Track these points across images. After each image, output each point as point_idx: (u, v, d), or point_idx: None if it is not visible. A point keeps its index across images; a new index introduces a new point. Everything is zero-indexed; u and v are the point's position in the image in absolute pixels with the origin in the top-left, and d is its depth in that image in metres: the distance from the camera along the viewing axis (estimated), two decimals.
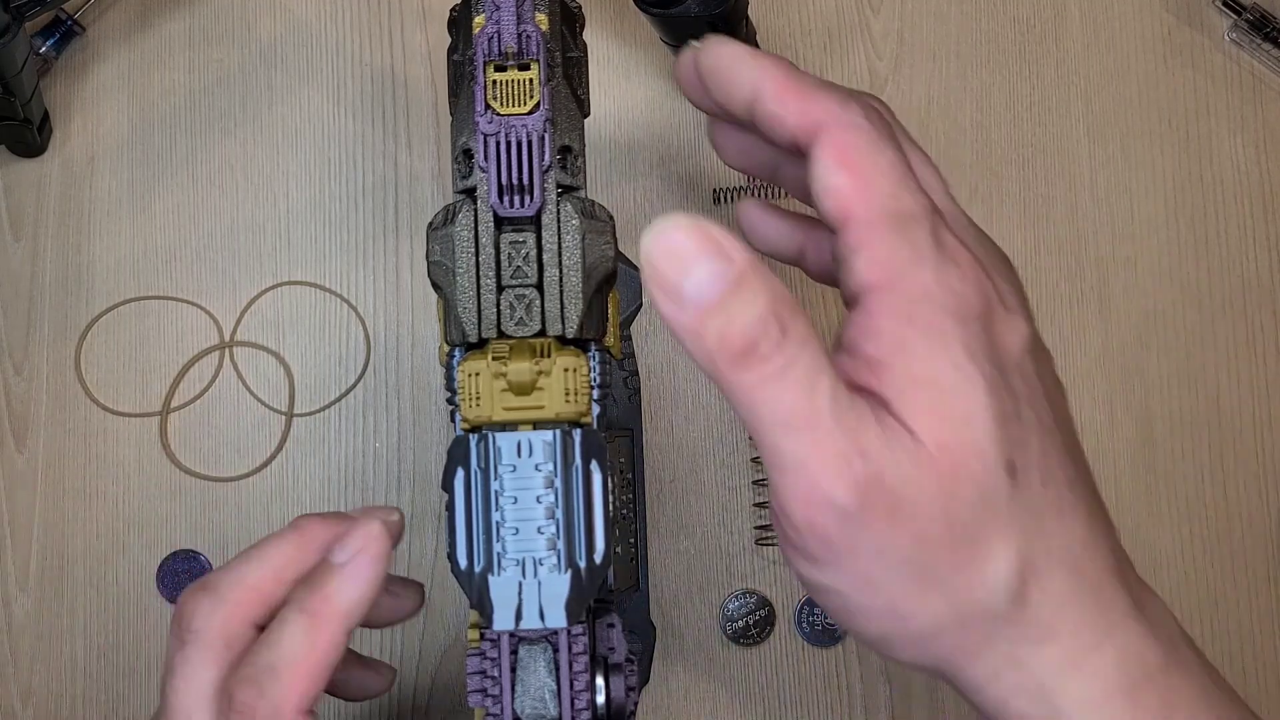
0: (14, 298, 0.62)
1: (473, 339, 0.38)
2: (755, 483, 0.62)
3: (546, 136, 0.38)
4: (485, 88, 0.38)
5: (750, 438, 0.61)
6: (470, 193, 0.39)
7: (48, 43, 0.62)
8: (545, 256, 0.38)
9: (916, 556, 0.32)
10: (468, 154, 0.38)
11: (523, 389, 0.37)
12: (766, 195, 0.62)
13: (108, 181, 0.63)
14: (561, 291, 0.38)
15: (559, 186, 0.39)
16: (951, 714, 0.61)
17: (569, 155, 0.39)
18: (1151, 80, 0.64)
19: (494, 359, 0.37)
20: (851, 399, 0.32)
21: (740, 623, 0.61)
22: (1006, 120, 0.64)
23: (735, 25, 0.56)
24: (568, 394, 0.37)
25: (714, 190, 0.63)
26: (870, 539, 0.32)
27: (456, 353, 0.39)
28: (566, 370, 0.37)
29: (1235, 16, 0.64)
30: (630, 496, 0.61)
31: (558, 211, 0.38)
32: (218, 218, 0.63)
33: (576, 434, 0.38)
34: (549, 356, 0.37)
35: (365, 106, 0.64)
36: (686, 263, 0.31)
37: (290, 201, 0.63)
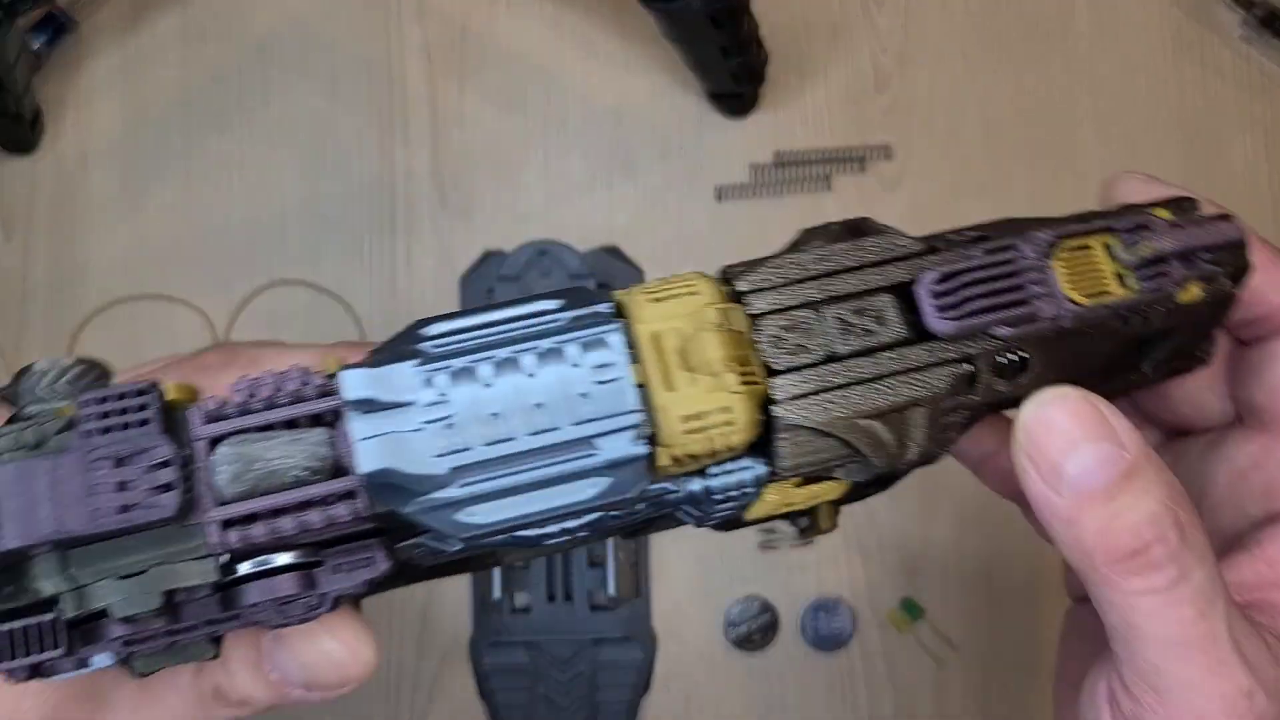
0: (5, 297, 0.62)
1: None
2: None
3: None
4: None
5: None
6: None
7: (40, 38, 0.61)
8: None
9: None
10: None
11: None
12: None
13: (100, 179, 0.63)
14: None
15: None
16: None
17: None
18: (1160, 77, 0.64)
19: None
20: (1248, 627, 0.29)
21: (743, 628, 0.60)
22: (1013, 117, 0.63)
23: (737, 20, 0.55)
24: None
25: (716, 188, 0.63)
26: None
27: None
28: None
29: (1245, 12, 0.63)
30: None
31: None
32: (212, 216, 0.62)
33: None
34: None
35: (361, 103, 0.63)
36: (1072, 440, 0.28)
37: (285, 199, 0.63)
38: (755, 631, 0.60)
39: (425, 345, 0.28)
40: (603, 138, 0.63)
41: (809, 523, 0.35)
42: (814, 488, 0.30)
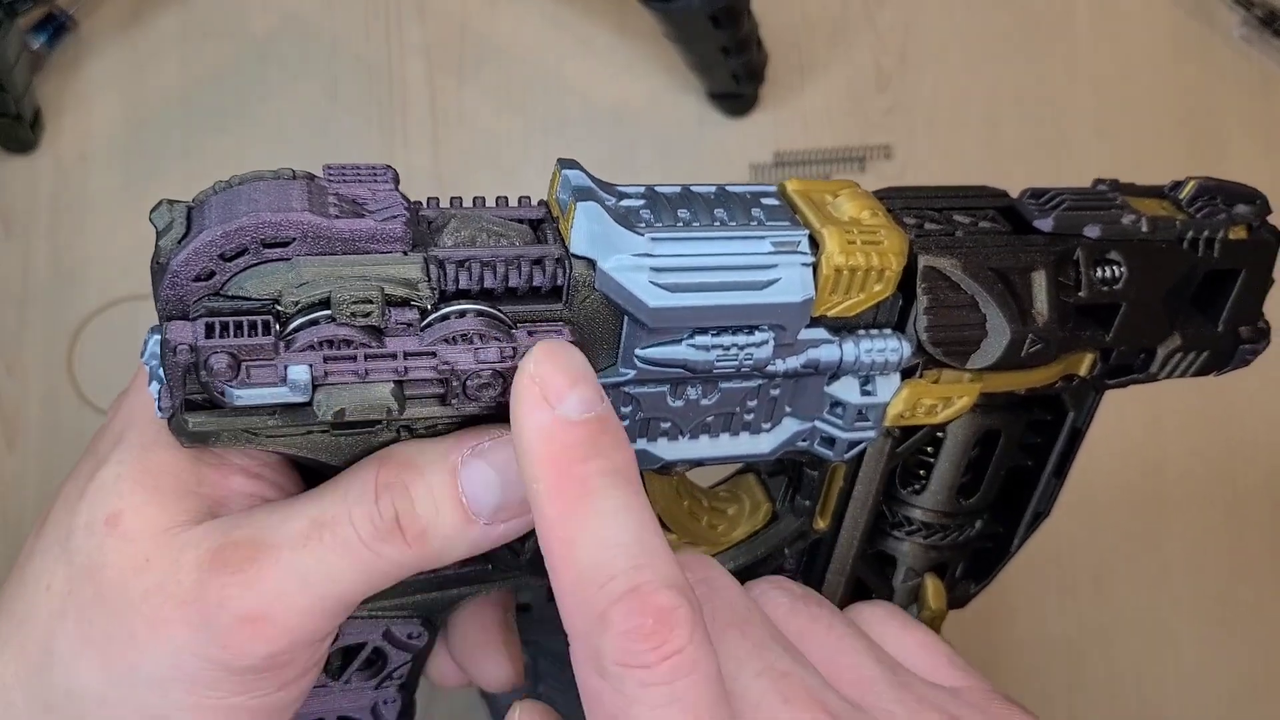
0: (5, 296, 0.62)
1: None
2: None
3: None
4: None
5: None
6: None
7: (40, 37, 0.61)
8: None
9: None
10: None
11: None
12: None
13: (100, 178, 0.63)
14: None
15: None
16: None
17: None
18: (1160, 76, 0.64)
19: None
20: None
21: None
22: (1014, 116, 0.63)
23: (737, 20, 0.55)
24: None
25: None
26: None
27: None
28: None
29: (1245, 11, 0.63)
30: None
31: None
32: None
33: None
34: None
35: (361, 102, 0.63)
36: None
37: None
38: None
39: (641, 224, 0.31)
40: (603, 138, 0.63)
41: (918, 605, 0.37)
42: (946, 387, 0.34)
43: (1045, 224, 0.34)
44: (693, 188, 0.32)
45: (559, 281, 0.30)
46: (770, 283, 0.31)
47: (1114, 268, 0.35)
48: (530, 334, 0.30)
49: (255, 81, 0.63)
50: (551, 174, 0.31)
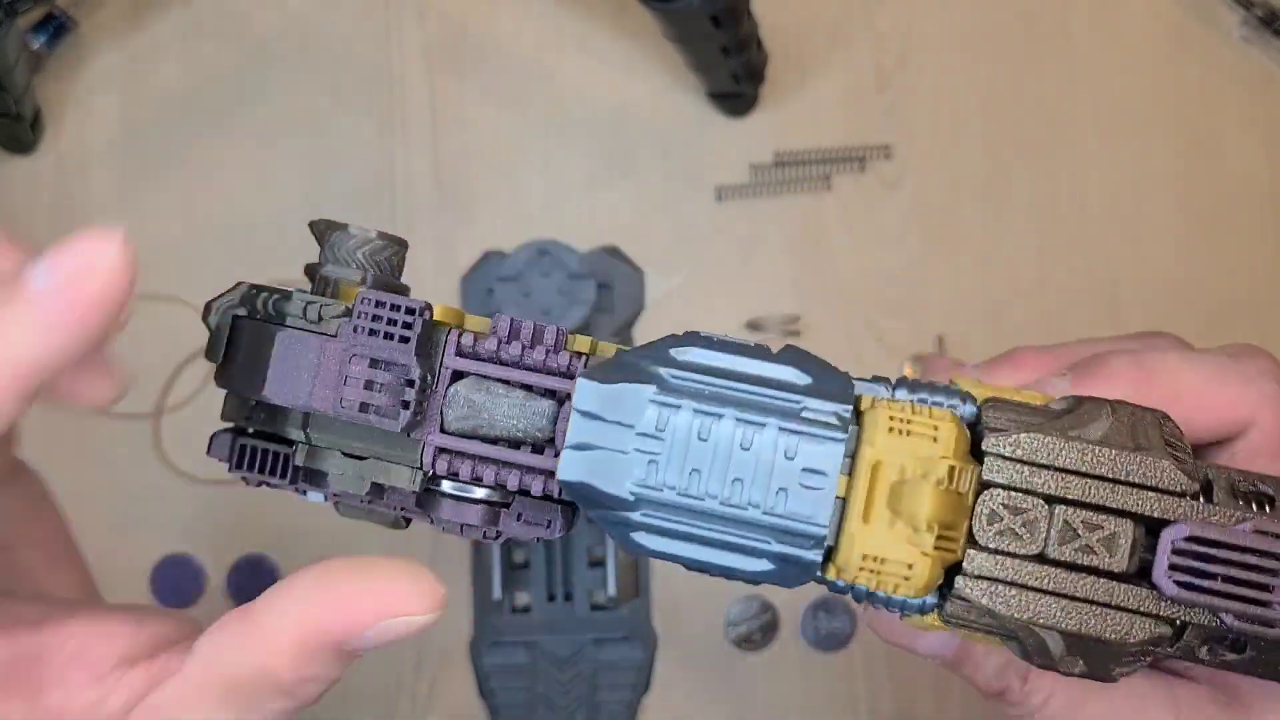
0: None
1: None
2: None
3: None
4: None
5: None
6: None
7: (40, 38, 0.61)
8: None
9: None
10: None
11: None
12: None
13: (100, 179, 0.63)
14: None
15: None
16: None
17: None
18: (1160, 76, 0.64)
19: None
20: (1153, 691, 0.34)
21: (743, 628, 0.60)
22: (1014, 116, 0.63)
23: (737, 20, 0.55)
24: None
25: (717, 188, 0.63)
26: None
27: None
28: None
29: (1245, 11, 0.63)
30: None
31: None
32: (212, 215, 0.62)
33: None
34: None
35: (361, 103, 0.63)
36: (912, 639, 0.36)
37: (285, 200, 0.63)
38: (755, 631, 0.60)
39: (668, 371, 0.29)
40: (603, 138, 0.63)
41: None
42: (975, 634, 0.30)
43: (1170, 590, 0.29)
44: (738, 434, 0.29)
45: (545, 492, 0.30)
46: (766, 561, 0.29)
47: (1237, 639, 0.30)
48: (519, 518, 0.32)
49: (255, 82, 0.63)
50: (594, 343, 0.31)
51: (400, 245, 0.34)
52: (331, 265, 0.33)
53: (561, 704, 0.59)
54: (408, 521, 0.34)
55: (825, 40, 0.63)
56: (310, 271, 0.33)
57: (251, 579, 0.60)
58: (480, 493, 0.31)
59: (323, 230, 0.33)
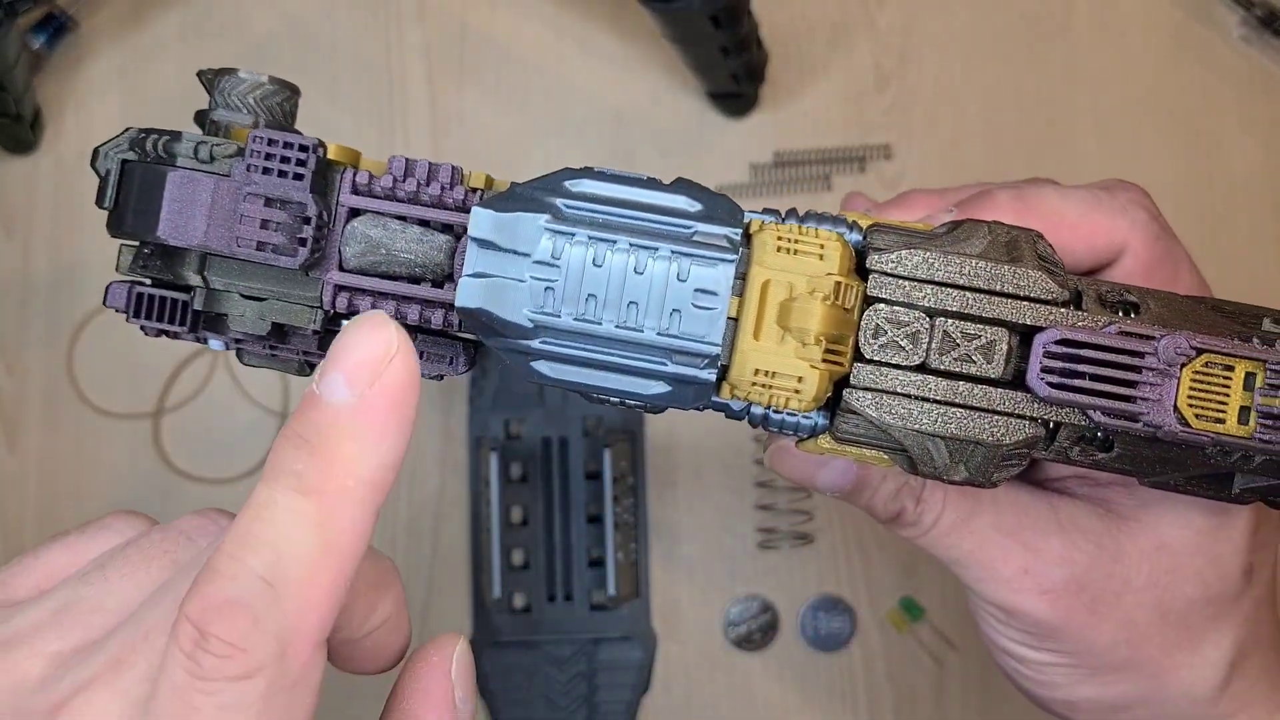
0: (5, 296, 0.62)
1: None
2: (758, 485, 0.61)
3: None
4: None
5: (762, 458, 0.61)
6: None
7: (40, 38, 0.61)
8: None
9: (1122, 640, 0.37)
10: None
11: None
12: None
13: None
14: None
15: None
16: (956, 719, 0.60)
17: None
18: (1160, 76, 0.64)
19: None
20: (1035, 517, 0.37)
21: (743, 628, 0.60)
22: (1014, 116, 0.63)
23: (737, 20, 0.55)
24: None
25: (717, 188, 0.63)
26: (1072, 631, 0.37)
27: None
28: None
29: (1245, 11, 0.63)
30: (632, 500, 0.60)
31: None
32: None
33: None
34: None
35: (361, 103, 0.63)
36: (812, 471, 0.38)
37: None
38: (755, 631, 0.60)
39: (561, 201, 0.30)
40: (603, 137, 0.63)
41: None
42: (865, 451, 0.31)
43: (1042, 390, 0.30)
44: (631, 259, 0.29)
45: (451, 327, 0.31)
46: (661, 383, 0.30)
47: (1105, 438, 0.32)
48: (423, 356, 0.32)
49: None
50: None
51: (293, 91, 0.33)
52: (222, 110, 0.32)
53: (561, 704, 0.59)
54: (311, 367, 0.33)
55: (825, 40, 0.63)
56: (200, 118, 0.33)
57: None
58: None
59: (211, 77, 0.33)
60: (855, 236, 0.31)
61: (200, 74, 0.34)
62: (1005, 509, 0.37)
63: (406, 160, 0.31)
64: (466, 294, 0.29)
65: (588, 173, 0.30)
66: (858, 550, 0.61)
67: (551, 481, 0.59)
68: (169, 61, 0.63)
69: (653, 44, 0.62)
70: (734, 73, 0.59)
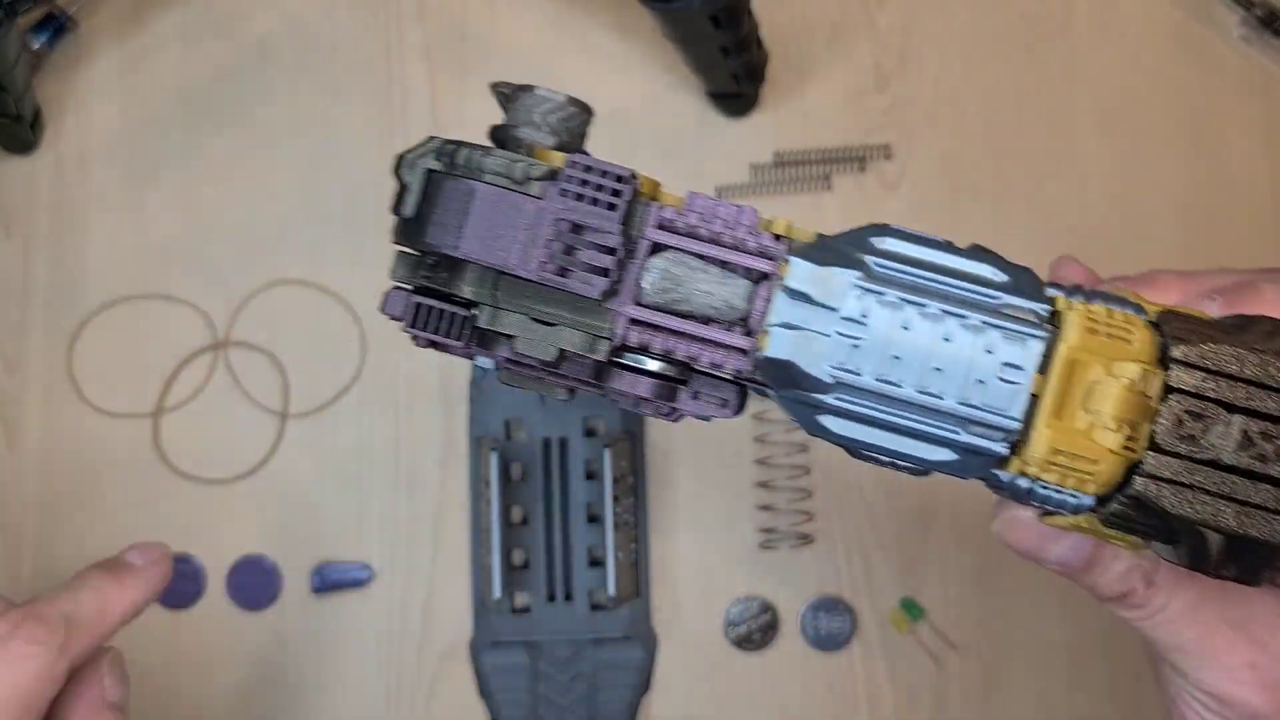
0: (5, 296, 0.62)
1: None
2: (759, 485, 0.61)
3: None
4: None
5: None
6: None
7: (40, 38, 0.61)
8: None
9: None
10: None
11: None
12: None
13: (100, 178, 0.63)
14: None
15: None
16: None
17: None
18: (1160, 76, 0.64)
19: None
20: (1261, 610, 0.36)
21: (743, 628, 0.60)
22: (1014, 117, 0.63)
23: (737, 19, 0.55)
24: None
25: (716, 188, 0.63)
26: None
27: None
28: None
29: (1245, 11, 0.63)
30: (632, 500, 0.60)
31: None
32: (211, 215, 0.62)
33: None
34: None
35: (361, 103, 0.63)
36: (1043, 544, 0.36)
37: (285, 199, 0.63)
38: (755, 631, 0.60)
39: (871, 259, 0.30)
40: (603, 138, 0.63)
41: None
42: (1125, 536, 0.31)
43: None
44: (939, 325, 0.29)
45: (741, 374, 0.30)
46: (951, 451, 0.30)
47: None
48: (695, 396, 0.32)
49: (255, 81, 0.63)
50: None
51: (587, 111, 0.34)
52: (526, 128, 0.32)
53: (562, 704, 0.59)
54: (572, 393, 0.33)
55: (825, 40, 0.63)
56: (496, 134, 0.33)
57: (251, 579, 0.60)
58: (653, 365, 0.31)
59: (507, 92, 0.33)
60: (1144, 318, 0.31)
61: (494, 87, 0.33)
62: (1234, 601, 0.36)
63: (708, 198, 0.31)
64: (778, 344, 0.29)
65: (887, 230, 0.30)
66: (858, 550, 0.61)
67: (552, 481, 0.59)
68: (169, 61, 0.63)
69: (653, 44, 0.62)
70: (734, 73, 0.59)
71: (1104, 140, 0.63)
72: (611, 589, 0.57)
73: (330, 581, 0.60)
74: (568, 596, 0.59)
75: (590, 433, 0.60)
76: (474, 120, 0.64)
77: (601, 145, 0.63)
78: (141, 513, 0.61)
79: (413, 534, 0.61)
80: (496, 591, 0.58)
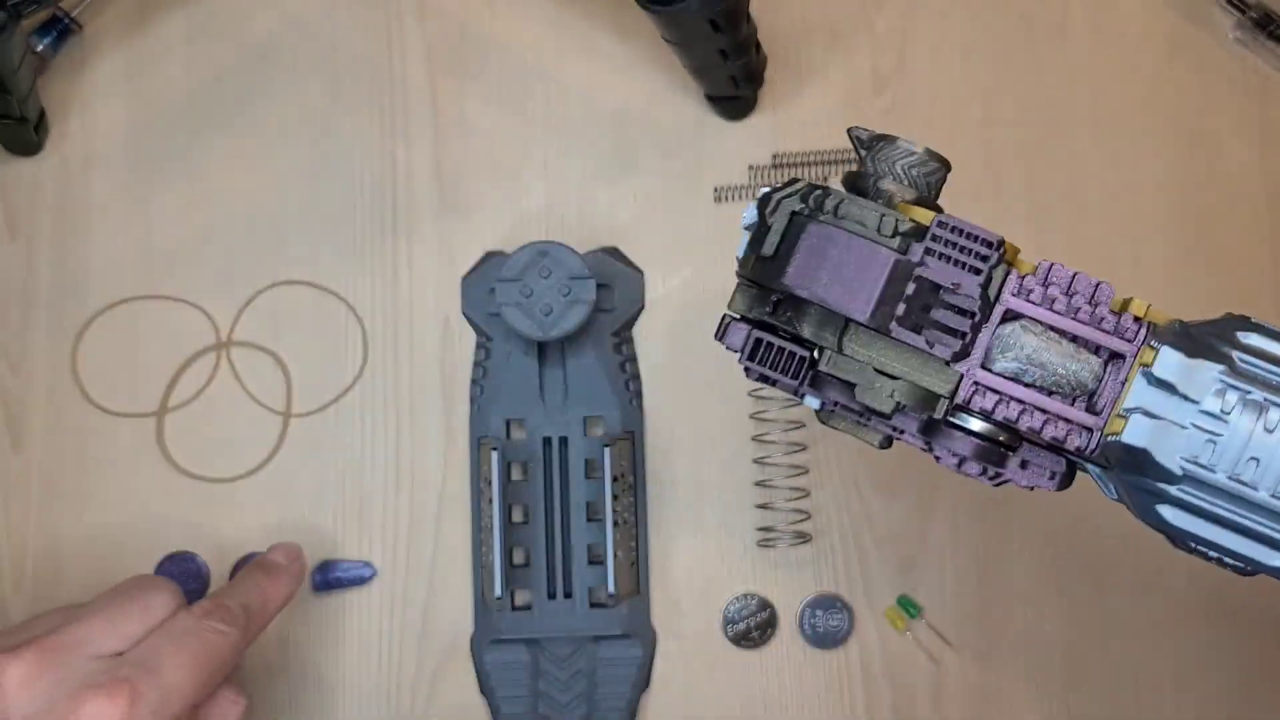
0: (10, 297, 0.62)
1: None
2: (757, 484, 0.61)
3: None
4: None
5: (753, 438, 0.61)
6: None
7: (44, 40, 0.62)
8: None
9: None
10: None
11: None
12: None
13: (104, 180, 0.63)
14: None
15: None
16: (955, 718, 0.61)
17: None
18: (1156, 78, 0.64)
19: None
20: None
21: (741, 626, 0.60)
22: (1011, 119, 0.63)
23: (736, 23, 0.55)
24: None
25: (715, 189, 0.63)
26: None
27: None
28: None
29: (1239, 14, 0.63)
30: (632, 499, 0.60)
31: None
32: (214, 216, 0.63)
33: None
34: None
35: (361, 103, 0.63)
36: None
37: (286, 200, 0.63)
38: (754, 629, 0.60)
39: (1235, 354, 0.29)
40: (603, 138, 0.64)
41: None
42: None
43: None
44: None
45: (1079, 448, 0.30)
46: None
47: None
48: (1023, 464, 0.31)
49: (257, 83, 0.64)
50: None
51: (946, 166, 0.33)
52: (889, 180, 0.32)
53: (562, 700, 0.59)
54: (889, 442, 0.33)
55: (824, 43, 0.64)
56: (856, 183, 0.33)
57: None
58: (980, 426, 0.31)
59: (867, 140, 0.33)
60: None
61: (852, 132, 0.33)
62: None
63: (1061, 266, 0.30)
64: (1135, 431, 0.29)
65: (1248, 323, 0.29)
66: (855, 549, 0.61)
67: (552, 480, 0.59)
68: (174, 64, 0.64)
69: (652, 46, 0.62)
70: (733, 75, 0.59)
71: (1100, 141, 0.63)
72: (611, 587, 0.58)
73: (332, 579, 0.60)
74: (568, 594, 0.59)
75: (590, 432, 0.60)
76: (474, 119, 0.64)
77: (603, 146, 0.63)
78: (145, 511, 0.61)
79: (414, 532, 0.61)
80: (497, 589, 0.58)
